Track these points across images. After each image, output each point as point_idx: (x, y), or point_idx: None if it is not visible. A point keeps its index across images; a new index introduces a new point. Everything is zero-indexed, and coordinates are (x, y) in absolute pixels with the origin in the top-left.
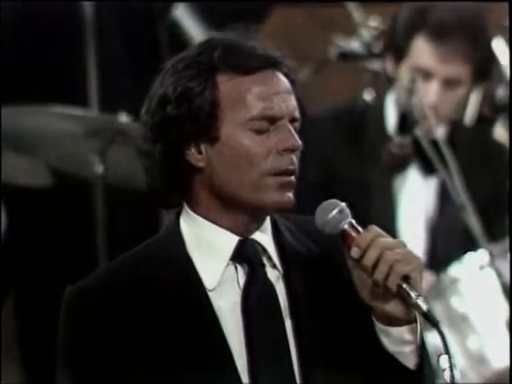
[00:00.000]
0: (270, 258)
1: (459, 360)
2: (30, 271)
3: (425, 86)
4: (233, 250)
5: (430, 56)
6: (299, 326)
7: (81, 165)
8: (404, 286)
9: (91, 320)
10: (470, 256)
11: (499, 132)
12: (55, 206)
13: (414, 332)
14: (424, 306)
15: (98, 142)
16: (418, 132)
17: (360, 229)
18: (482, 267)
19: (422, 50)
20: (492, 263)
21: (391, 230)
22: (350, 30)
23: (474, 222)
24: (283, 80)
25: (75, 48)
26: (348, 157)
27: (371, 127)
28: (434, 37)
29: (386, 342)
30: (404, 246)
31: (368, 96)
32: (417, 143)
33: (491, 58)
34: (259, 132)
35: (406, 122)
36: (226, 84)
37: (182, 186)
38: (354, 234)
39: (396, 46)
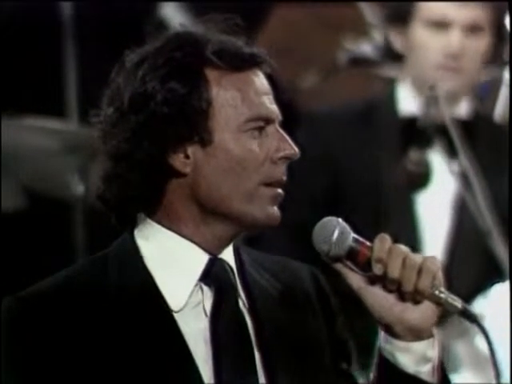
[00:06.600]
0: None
1: None
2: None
3: (444, 37)
4: (202, 270)
5: (444, 3)
6: (265, 356)
7: (58, 184)
8: (434, 288)
9: (40, 341)
10: (496, 289)
11: None
12: (29, 230)
13: (434, 348)
14: (459, 304)
15: (78, 158)
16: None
17: (365, 241)
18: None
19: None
20: None
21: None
22: (361, 32)
23: (500, 249)
24: (266, 81)
25: (52, 51)
26: (353, 149)
27: (379, 114)
28: None
29: (405, 361)
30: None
31: None
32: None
33: (505, 10)
34: (254, 136)
35: (425, 135)
36: (219, 81)
37: (156, 194)
38: (364, 249)
39: (400, 11)
